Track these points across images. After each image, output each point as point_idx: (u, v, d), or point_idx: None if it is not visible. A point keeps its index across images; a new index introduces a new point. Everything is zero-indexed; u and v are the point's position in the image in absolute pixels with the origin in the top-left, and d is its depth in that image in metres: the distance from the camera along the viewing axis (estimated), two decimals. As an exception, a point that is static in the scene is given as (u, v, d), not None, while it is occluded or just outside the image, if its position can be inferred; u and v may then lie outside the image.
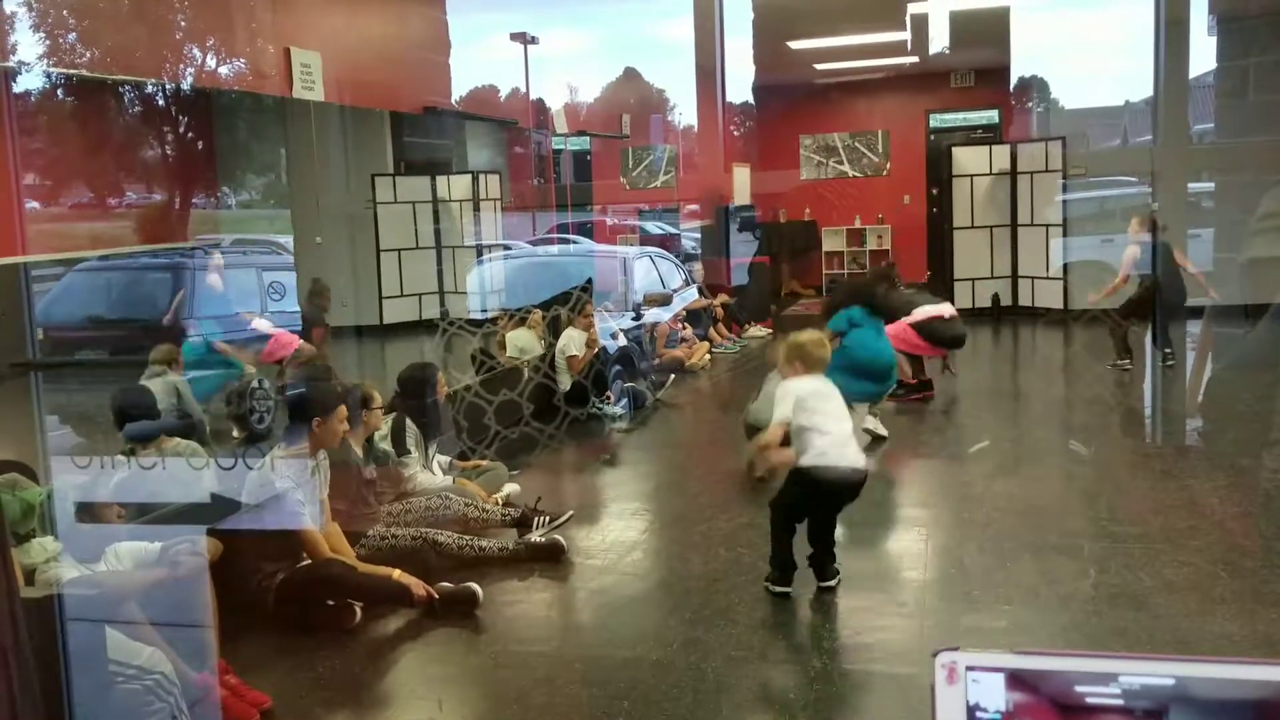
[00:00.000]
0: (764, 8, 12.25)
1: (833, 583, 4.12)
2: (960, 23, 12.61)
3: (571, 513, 5.17)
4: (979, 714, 0.86)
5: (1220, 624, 3.74)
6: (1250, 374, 7.94)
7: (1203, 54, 11.11)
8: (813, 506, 4.13)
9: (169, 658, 3.04)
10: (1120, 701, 0.84)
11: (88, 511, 3.36)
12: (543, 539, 4.76)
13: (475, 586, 4.16)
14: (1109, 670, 0.84)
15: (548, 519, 4.99)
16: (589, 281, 8.41)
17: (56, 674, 2.50)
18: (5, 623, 1.27)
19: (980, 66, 14.74)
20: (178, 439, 4.67)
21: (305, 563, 4.13)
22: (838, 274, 15.48)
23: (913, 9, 11.86)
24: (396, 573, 4.17)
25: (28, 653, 1.31)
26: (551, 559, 4.66)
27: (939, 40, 13.20)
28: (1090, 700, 0.84)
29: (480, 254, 11.05)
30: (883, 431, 6.39)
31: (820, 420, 4.03)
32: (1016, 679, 0.86)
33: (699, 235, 14.15)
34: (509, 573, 4.57)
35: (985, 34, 12.91)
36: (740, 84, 15.35)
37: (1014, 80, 15.22)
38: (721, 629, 3.88)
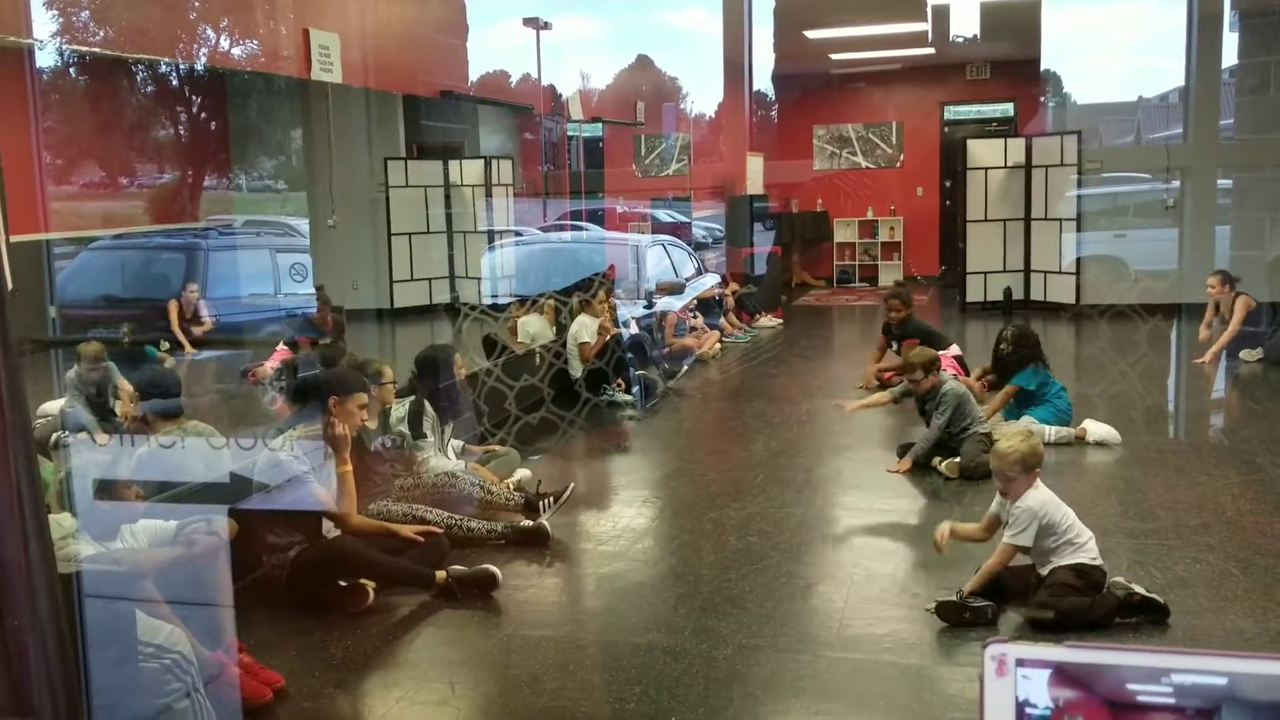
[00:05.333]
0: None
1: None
2: (989, 15, 12.56)
3: (573, 485, 5.16)
4: (1028, 709, 0.85)
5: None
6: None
7: (1224, 49, 11.06)
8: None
9: (185, 636, 3.05)
10: (1171, 700, 0.83)
11: (105, 489, 3.37)
12: (534, 523, 4.76)
13: (493, 569, 4.16)
14: (1161, 665, 0.83)
15: (552, 499, 4.99)
16: (610, 268, 8.40)
17: (75, 651, 2.51)
18: (42, 600, 1.27)
19: (1001, 59, 14.66)
20: (196, 421, 4.69)
21: (319, 542, 4.14)
22: (849, 265, 15.46)
23: (934, 0, 11.81)
24: (408, 529, 4.28)
25: (64, 628, 1.31)
26: (537, 543, 4.66)
27: (969, 32, 13.15)
28: (1141, 698, 0.84)
29: (491, 240, 11.05)
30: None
31: (1074, 517, 3.90)
32: (1066, 675, 0.85)
33: (711, 223, 14.13)
34: (520, 557, 4.58)
35: (1013, 26, 12.85)
36: (757, 73, 15.30)
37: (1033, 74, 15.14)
38: (733, 617, 3.88)
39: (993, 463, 4.05)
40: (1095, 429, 6.20)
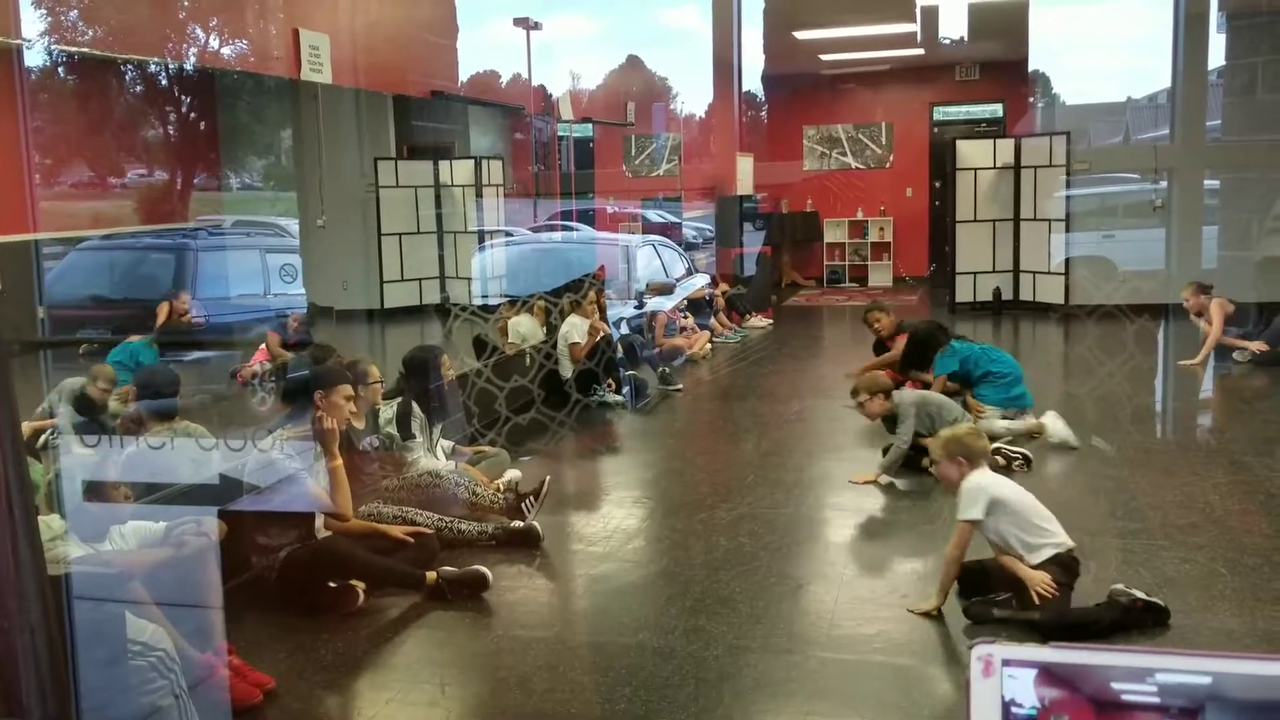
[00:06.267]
0: (776, -2, 12.25)
1: None
2: (977, 16, 12.60)
3: (548, 478, 5.12)
4: (1014, 709, 0.86)
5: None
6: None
7: (1210, 51, 11.12)
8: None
9: (170, 636, 3.04)
10: (1156, 699, 0.84)
11: (94, 491, 3.36)
12: (523, 524, 4.75)
13: (484, 569, 4.16)
14: (1145, 665, 0.84)
15: (532, 498, 4.98)
16: (600, 269, 8.40)
17: (64, 653, 2.50)
18: (32, 601, 1.27)
19: (990, 60, 14.71)
20: (188, 422, 4.67)
21: (309, 543, 4.13)
22: (839, 265, 15.49)
23: (923, 1, 11.84)
24: (398, 530, 4.29)
25: (54, 630, 1.31)
26: (528, 545, 4.66)
27: (956, 33, 13.20)
28: (1126, 697, 0.84)
29: (482, 240, 11.03)
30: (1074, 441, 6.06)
31: (1040, 508, 3.88)
32: (1052, 675, 0.86)
33: (701, 224, 14.13)
34: (510, 558, 4.57)
35: (1002, 27, 12.90)
36: (747, 74, 15.32)
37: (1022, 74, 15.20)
38: (724, 618, 3.89)
39: None
40: (1055, 427, 6.10)
